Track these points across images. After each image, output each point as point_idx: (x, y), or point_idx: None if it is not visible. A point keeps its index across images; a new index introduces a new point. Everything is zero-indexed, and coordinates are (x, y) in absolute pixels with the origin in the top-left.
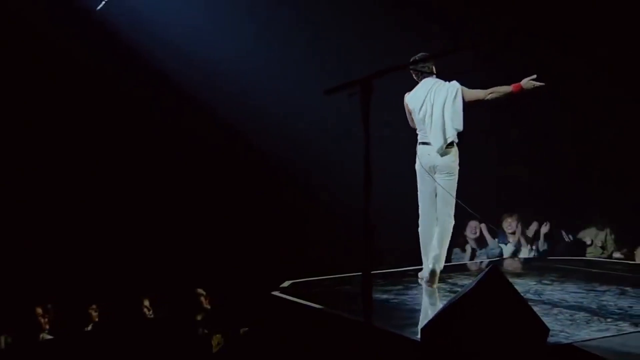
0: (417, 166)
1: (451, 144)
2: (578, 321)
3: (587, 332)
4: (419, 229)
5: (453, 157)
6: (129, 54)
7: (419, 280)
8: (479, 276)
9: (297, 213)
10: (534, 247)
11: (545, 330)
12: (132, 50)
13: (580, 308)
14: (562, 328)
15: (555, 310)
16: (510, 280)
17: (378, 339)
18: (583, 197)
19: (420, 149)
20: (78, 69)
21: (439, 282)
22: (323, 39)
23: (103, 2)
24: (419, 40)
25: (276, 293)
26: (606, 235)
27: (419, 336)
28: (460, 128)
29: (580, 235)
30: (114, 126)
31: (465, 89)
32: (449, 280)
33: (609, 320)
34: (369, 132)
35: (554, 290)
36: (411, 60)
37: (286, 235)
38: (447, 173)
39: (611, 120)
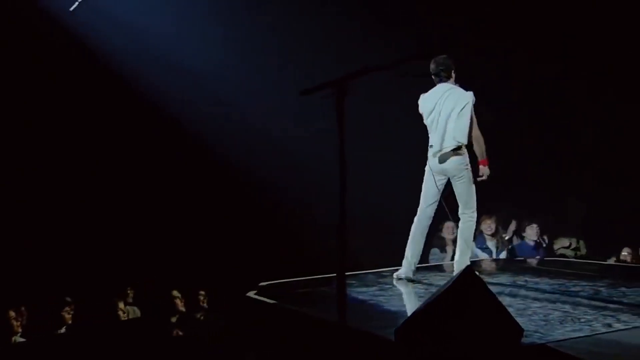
0: (427, 167)
1: (459, 147)
2: (552, 321)
3: (561, 333)
4: (412, 225)
5: (461, 160)
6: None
7: (394, 280)
8: (454, 277)
9: (273, 214)
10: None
11: (519, 330)
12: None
13: (554, 308)
14: (536, 328)
15: (530, 311)
16: (485, 280)
17: (352, 339)
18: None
19: (429, 151)
20: (48, 70)
21: (415, 283)
22: (300, 40)
23: (77, 3)
24: (396, 42)
25: (251, 294)
26: (578, 241)
27: (393, 336)
28: (463, 140)
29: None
30: (81, 128)
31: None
32: (425, 281)
33: (582, 320)
34: (344, 134)
35: (529, 291)
36: (433, 61)
37: (262, 237)
38: (458, 177)
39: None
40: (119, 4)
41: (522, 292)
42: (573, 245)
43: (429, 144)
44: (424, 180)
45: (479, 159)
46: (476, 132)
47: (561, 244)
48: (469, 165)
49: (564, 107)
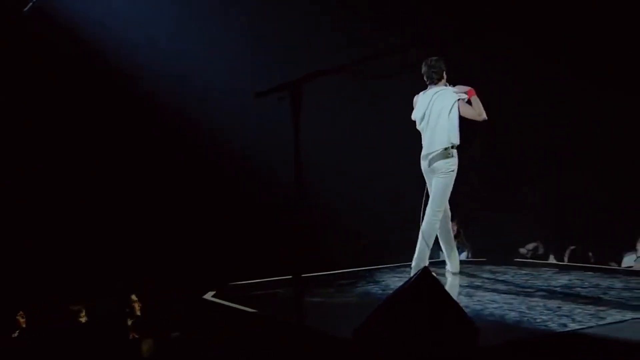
0: (422, 168)
1: (449, 149)
2: (508, 322)
3: (518, 333)
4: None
5: (450, 160)
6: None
7: (446, 274)
8: (411, 278)
9: (233, 216)
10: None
11: (476, 331)
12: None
13: (510, 309)
14: (492, 329)
15: (486, 312)
16: (442, 282)
17: (310, 340)
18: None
19: (422, 151)
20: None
21: (371, 284)
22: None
23: (30, 4)
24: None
25: (208, 297)
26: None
27: (351, 337)
28: (454, 141)
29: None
30: (64, 128)
31: (461, 103)
32: (382, 282)
33: (538, 320)
34: (299, 135)
35: (486, 292)
36: (424, 63)
37: (222, 239)
38: (442, 173)
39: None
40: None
41: (479, 293)
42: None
43: (423, 144)
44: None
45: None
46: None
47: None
48: (456, 169)
49: (563, 106)
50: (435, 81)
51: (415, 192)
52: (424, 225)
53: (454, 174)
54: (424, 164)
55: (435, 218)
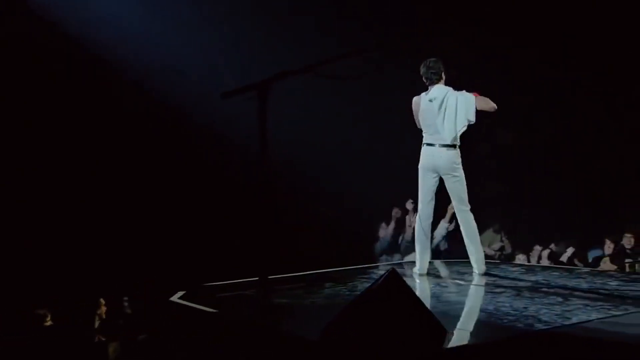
0: (420, 165)
1: (453, 146)
2: (476, 323)
3: (485, 334)
4: (415, 225)
5: (454, 158)
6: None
7: (413, 275)
8: (378, 279)
9: (203, 217)
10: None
11: (443, 331)
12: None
13: (477, 310)
14: (460, 329)
15: (454, 313)
16: (410, 282)
17: (277, 341)
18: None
19: (424, 149)
20: None
21: (339, 285)
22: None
23: None
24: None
25: (175, 299)
26: (501, 237)
27: (317, 338)
28: (473, 119)
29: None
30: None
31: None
32: (349, 283)
33: (505, 321)
34: (266, 135)
35: (452, 292)
36: (424, 64)
37: (191, 240)
38: (452, 175)
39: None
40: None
41: (447, 293)
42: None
43: (427, 142)
44: (421, 178)
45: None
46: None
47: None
48: (461, 163)
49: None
50: (434, 82)
51: (389, 190)
52: (463, 226)
53: (462, 169)
54: (426, 160)
55: (467, 213)
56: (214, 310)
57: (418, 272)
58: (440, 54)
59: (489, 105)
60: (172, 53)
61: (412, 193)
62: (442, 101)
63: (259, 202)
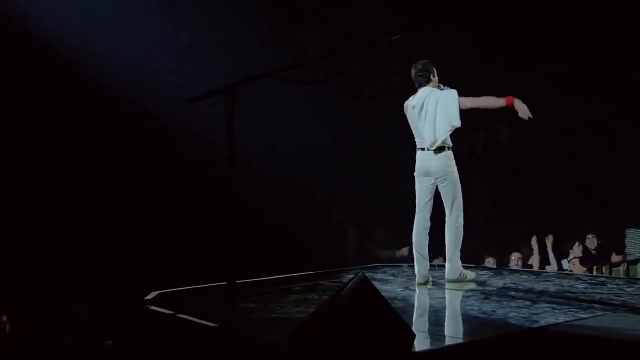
0: (415, 170)
1: (442, 149)
2: (445, 326)
3: (454, 337)
4: (413, 230)
5: (446, 162)
6: None
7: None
8: (347, 283)
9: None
10: None
11: (411, 335)
12: None
13: (446, 314)
14: (428, 334)
15: (422, 316)
16: (379, 286)
17: (244, 347)
18: None
19: (417, 154)
20: None
21: (309, 290)
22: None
23: None
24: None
25: (142, 304)
26: None
27: (285, 343)
28: (447, 142)
29: None
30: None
31: (461, 98)
32: (319, 288)
33: (473, 324)
34: (233, 141)
35: (422, 296)
36: (413, 66)
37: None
38: (443, 179)
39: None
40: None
41: (415, 297)
42: None
43: (419, 147)
44: (416, 183)
45: (503, 102)
46: (473, 102)
47: None
48: (455, 166)
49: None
50: (422, 84)
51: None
52: (448, 232)
53: (455, 172)
54: (419, 164)
55: (457, 223)
56: (182, 316)
57: (417, 281)
58: (421, 55)
59: (486, 103)
60: (139, 55)
61: (387, 198)
62: (422, 105)
63: (228, 207)
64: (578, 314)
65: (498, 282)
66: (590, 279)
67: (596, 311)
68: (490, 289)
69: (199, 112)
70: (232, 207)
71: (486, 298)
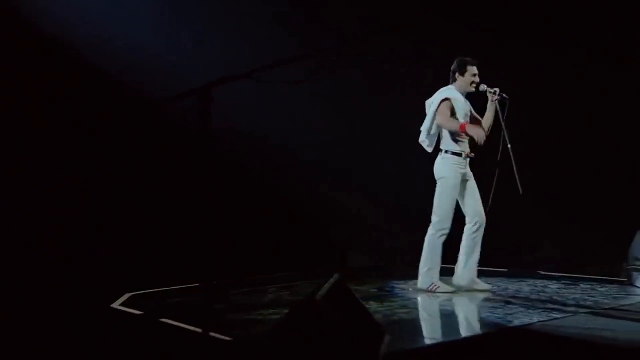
0: None
1: (441, 151)
2: (417, 327)
3: (427, 337)
4: None
5: (439, 165)
6: None
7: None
8: (321, 284)
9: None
10: None
11: (384, 336)
12: None
13: (420, 314)
14: (402, 334)
15: (396, 317)
16: (353, 288)
17: (216, 347)
18: None
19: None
20: None
21: (283, 290)
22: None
23: None
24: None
25: (116, 305)
26: None
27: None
28: (441, 146)
29: None
30: None
31: (441, 106)
32: (294, 289)
33: (447, 325)
34: (209, 143)
35: (395, 297)
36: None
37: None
38: (438, 180)
39: None
40: None
41: (390, 298)
42: None
43: None
44: None
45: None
46: (440, 121)
47: None
48: (448, 172)
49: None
50: (450, 82)
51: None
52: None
53: (446, 180)
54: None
55: (433, 228)
56: (155, 317)
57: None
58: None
59: (447, 125)
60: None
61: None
62: (429, 105)
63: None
64: (552, 314)
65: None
66: (564, 280)
67: (569, 311)
68: (464, 290)
69: (178, 108)
70: (208, 206)
71: (460, 299)
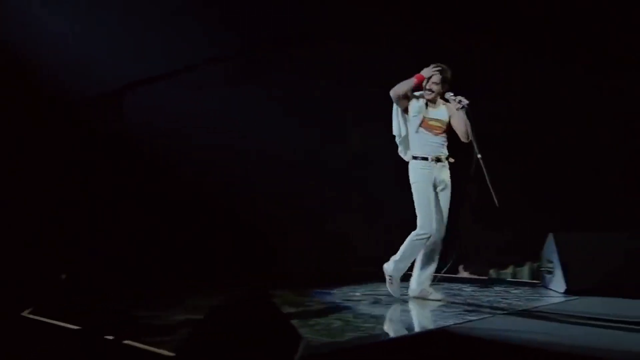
0: None
1: (412, 157)
2: (333, 331)
3: (343, 341)
4: None
5: (410, 172)
6: None
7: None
8: (236, 291)
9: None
10: None
11: (300, 339)
12: None
13: (336, 318)
14: (318, 337)
15: (312, 321)
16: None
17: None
18: None
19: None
20: None
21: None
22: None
23: None
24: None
25: (26, 314)
26: None
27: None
28: (412, 151)
29: None
30: None
31: None
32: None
33: (362, 328)
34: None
35: (313, 302)
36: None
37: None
38: (411, 186)
39: None
40: None
41: (307, 303)
42: None
43: None
44: None
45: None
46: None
47: None
48: (416, 177)
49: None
50: None
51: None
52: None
53: (417, 185)
54: None
55: (417, 235)
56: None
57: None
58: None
59: (398, 88)
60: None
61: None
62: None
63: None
64: (466, 317)
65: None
66: (478, 282)
67: (484, 313)
68: (381, 293)
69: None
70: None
71: (376, 302)
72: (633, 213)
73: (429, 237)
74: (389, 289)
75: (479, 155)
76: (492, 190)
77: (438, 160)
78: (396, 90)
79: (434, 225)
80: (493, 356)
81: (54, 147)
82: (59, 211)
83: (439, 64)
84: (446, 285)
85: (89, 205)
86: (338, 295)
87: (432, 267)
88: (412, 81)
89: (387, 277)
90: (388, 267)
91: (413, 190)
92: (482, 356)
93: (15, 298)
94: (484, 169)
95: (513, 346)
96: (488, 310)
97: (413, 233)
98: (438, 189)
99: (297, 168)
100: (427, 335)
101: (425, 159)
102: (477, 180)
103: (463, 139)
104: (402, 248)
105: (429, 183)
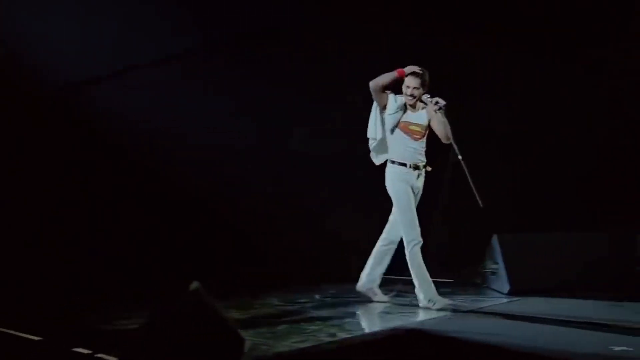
0: None
1: (390, 162)
2: (278, 334)
3: (288, 344)
4: None
5: (386, 178)
6: None
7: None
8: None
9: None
10: None
11: (241, 341)
12: None
13: (282, 321)
14: (263, 340)
15: (257, 323)
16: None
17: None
18: None
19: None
20: None
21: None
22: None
23: None
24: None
25: None
26: None
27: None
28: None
29: None
30: None
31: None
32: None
33: (307, 331)
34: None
35: (257, 305)
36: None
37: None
38: (389, 193)
39: None
40: None
41: (251, 306)
42: None
43: None
44: None
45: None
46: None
47: None
48: (393, 181)
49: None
50: None
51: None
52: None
53: (394, 191)
54: None
55: (408, 247)
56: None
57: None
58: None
59: (378, 80)
60: None
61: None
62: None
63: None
64: (412, 319)
65: (336, 288)
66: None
67: (431, 314)
68: (326, 295)
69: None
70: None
71: (323, 305)
72: (633, 213)
73: (421, 242)
74: (442, 307)
75: (459, 157)
76: (475, 192)
77: (416, 167)
78: (376, 81)
79: (418, 230)
80: (439, 356)
81: (53, 147)
82: (59, 211)
83: (420, 67)
84: (397, 287)
85: (89, 205)
86: (285, 295)
87: (384, 265)
88: (393, 74)
89: (430, 305)
90: (422, 297)
91: (393, 198)
92: (428, 356)
93: (15, 298)
94: (466, 171)
95: (458, 345)
96: (434, 311)
97: (406, 250)
98: (414, 194)
99: (297, 168)
100: (373, 338)
101: (404, 165)
102: (454, 182)
103: (444, 140)
104: (412, 273)
105: (409, 189)
